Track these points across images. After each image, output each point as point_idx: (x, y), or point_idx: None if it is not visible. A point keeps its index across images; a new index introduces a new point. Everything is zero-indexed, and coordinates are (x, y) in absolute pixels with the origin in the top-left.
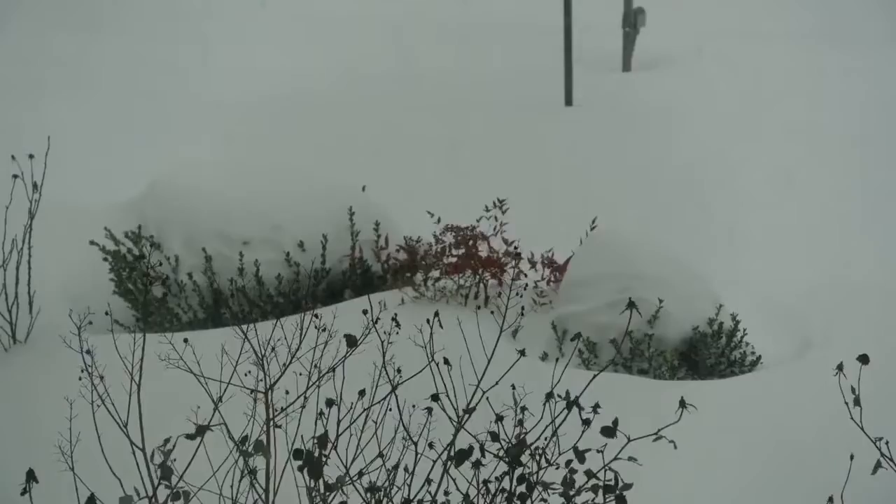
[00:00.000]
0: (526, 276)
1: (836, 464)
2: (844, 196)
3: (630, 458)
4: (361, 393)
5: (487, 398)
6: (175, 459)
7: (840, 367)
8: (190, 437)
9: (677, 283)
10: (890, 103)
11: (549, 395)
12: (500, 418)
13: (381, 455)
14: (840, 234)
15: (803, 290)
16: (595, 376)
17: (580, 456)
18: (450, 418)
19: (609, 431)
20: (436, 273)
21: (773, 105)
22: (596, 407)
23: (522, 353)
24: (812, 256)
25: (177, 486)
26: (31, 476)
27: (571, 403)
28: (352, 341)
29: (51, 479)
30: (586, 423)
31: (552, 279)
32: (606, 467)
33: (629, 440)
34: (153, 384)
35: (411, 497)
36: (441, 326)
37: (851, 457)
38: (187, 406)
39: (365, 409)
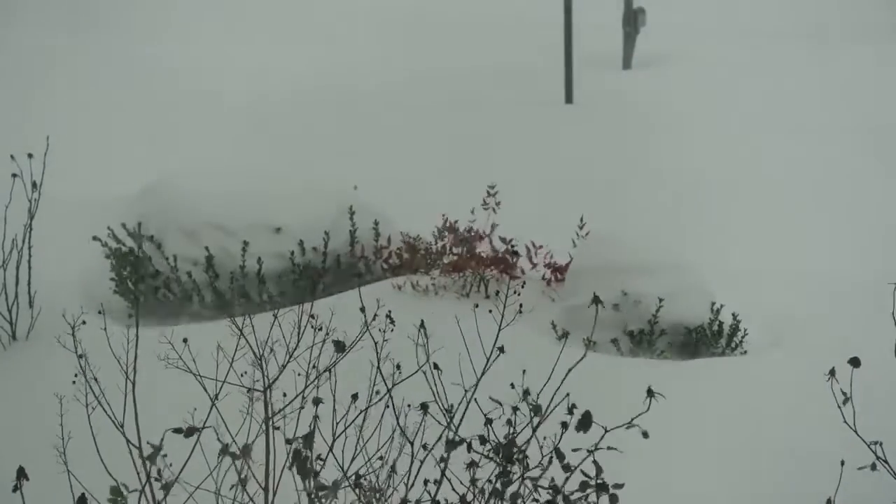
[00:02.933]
0: (525, 273)
1: None
2: (841, 192)
3: (610, 448)
4: (354, 397)
5: (476, 400)
6: (171, 464)
7: (832, 373)
8: (177, 430)
9: (676, 281)
10: (885, 100)
11: (527, 393)
12: (489, 421)
13: (380, 458)
14: (831, 231)
15: (791, 282)
16: (571, 369)
17: (560, 455)
18: (440, 423)
19: (584, 425)
20: (436, 272)
21: (770, 102)
22: (572, 408)
23: (501, 349)
24: (804, 250)
25: (173, 483)
26: (21, 473)
27: (537, 408)
28: (340, 347)
29: (49, 477)
30: (564, 425)
31: (553, 279)
32: (589, 457)
33: (606, 431)
34: (153, 381)
35: (407, 496)
36: (426, 337)
37: (842, 463)
38: (185, 403)
39: (361, 411)
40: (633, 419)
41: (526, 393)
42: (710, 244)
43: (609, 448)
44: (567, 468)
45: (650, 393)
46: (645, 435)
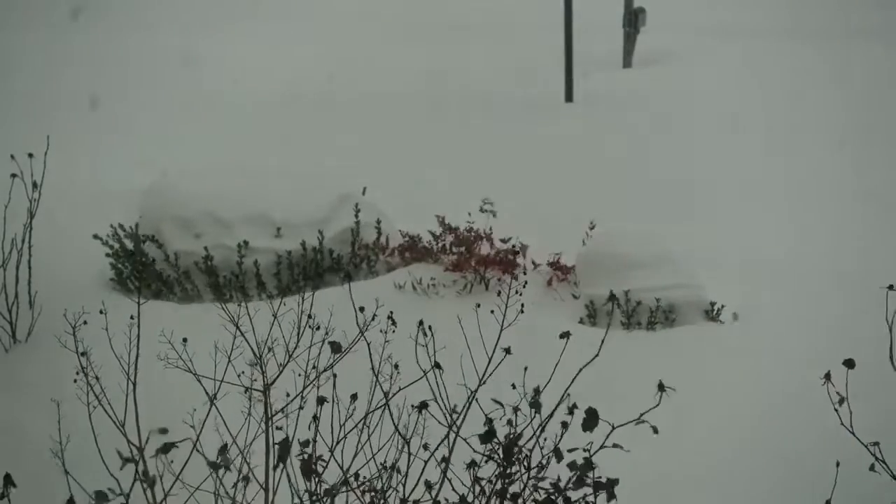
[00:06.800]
0: (525, 273)
1: None
2: (837, 190)
3: (615, 445)
4: (354, 397)
5: (477, 400)
6: (172, 461)
7: (827, 376)
8: (166, 448)
9: (673, 275)
10: (883, 101)
11: (537, 391)
12: (490, 421)
13: (377, 459)
14: (828, 229)
15: (778, 274)
16: (585, 365)
17: (559, 455)
18: (441, 423)
19: (589, 425)
20: (438, 268)
21: (770, 101)
22: (573, 408)
23: (507, 350)
24: (797, 244)
25: (176, 481)
26: (8, 481)
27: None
28: (337, 348)
29: (49, 478)
30: (564, 426)
31: (555, 278)
32: (591, 455)
33: (613, 428)
34: (153, 377)
35: (406, 496)
36: (425, 334)
37: (837, 464)
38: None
39: (364, 417)
40: (642, 414)
41: (536, 391)
42: (707, 241)
43: (615, 445)
44: (574, 466)
45: (661, 388)
46: (655, 430)
